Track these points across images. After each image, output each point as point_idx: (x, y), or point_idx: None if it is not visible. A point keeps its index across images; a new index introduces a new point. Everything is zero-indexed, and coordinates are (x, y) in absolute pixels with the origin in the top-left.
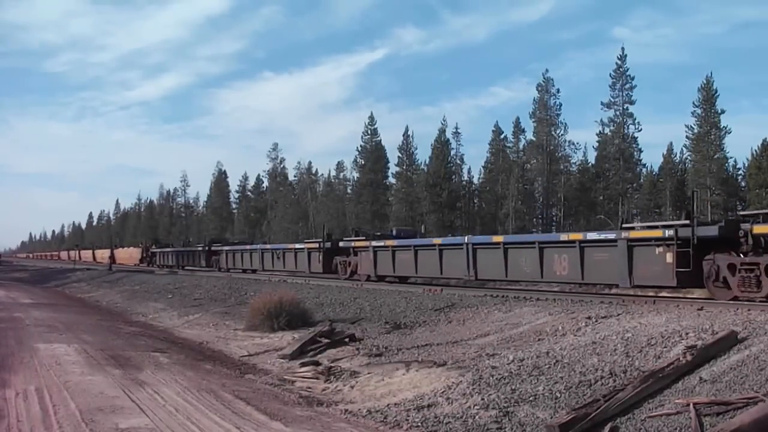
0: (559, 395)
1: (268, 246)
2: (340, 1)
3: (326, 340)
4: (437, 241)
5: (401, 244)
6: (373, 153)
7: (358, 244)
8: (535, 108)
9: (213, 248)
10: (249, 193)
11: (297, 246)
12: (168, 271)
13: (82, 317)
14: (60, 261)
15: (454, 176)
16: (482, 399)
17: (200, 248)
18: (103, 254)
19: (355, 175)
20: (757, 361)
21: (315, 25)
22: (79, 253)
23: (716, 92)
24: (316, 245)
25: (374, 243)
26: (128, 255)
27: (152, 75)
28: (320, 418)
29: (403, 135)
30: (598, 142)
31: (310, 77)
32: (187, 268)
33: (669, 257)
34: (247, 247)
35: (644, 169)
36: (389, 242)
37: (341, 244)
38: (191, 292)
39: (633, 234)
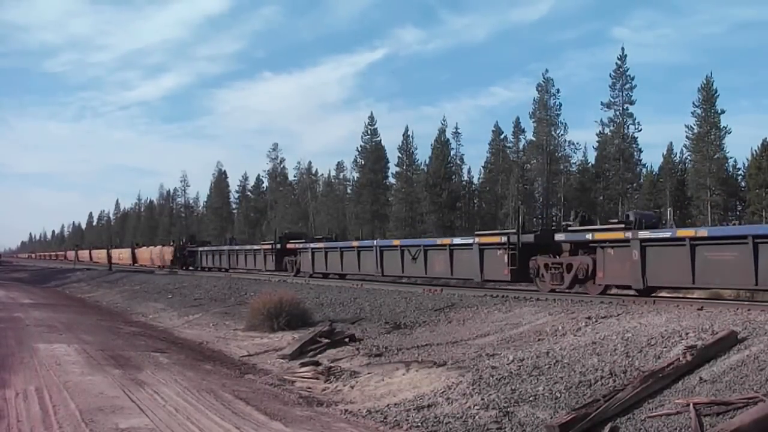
0: (559, 395)
1: (427, 241)
2: (340, 1)
3: (326, 340)
4: None
5: None
6: (373, 153)
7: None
8: (535, 108)
9: (289, 245)
10: (249, 193)
11: (482, 240)
12: (168, 271)
13: (82, 317)
14: (67, 262)
15: (454, 176)
16: (482, 399)
17: (267, 246)
18: (121, 254)
19: (355, 175)
20: (757, 361)
21: (315, 25)
22: (90, 253)
23: (716, 92)
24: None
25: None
26: (156, 255)
27: (152, 75)
28: (320, 418)
29: (403, 135)
30: (598, 142)
31: (309, 77)
32: (239, 270)
33: None
34: (373, 243)
35: (644, 169)
36: None
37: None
38: (191, 292)
39: None
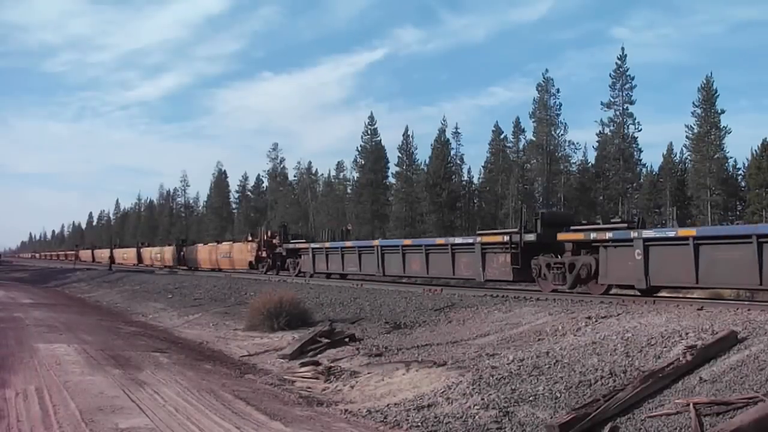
0: (559, 395)
1: None
2: (339, 1)
3: (326, 340)
4: None
5: None
6: (373, 153)
7: None
8: (535, 108)
9: (565, 236)
10: (249, 193)
11: None
12: (168, 271)
13: (82, 317)
14: (80, 263)
15: (454, 176)
16: (482, 399)
17: (497, 239)
18: (157, 254)
19: (355, 175)
20: (757, 361)
21: (314, 25)
22: (111, 253)
23: (716, 92)
24: None
25: None
26: (222, 255)
27: (151, 75)
28: (320, 418)
29: (403, 135)
30: (598, 142)
31: (309, 77)
32: (411, 280)
33: None
34: None
35: (644, 169)
36: None
37: None
38: (191, 292)
39: None
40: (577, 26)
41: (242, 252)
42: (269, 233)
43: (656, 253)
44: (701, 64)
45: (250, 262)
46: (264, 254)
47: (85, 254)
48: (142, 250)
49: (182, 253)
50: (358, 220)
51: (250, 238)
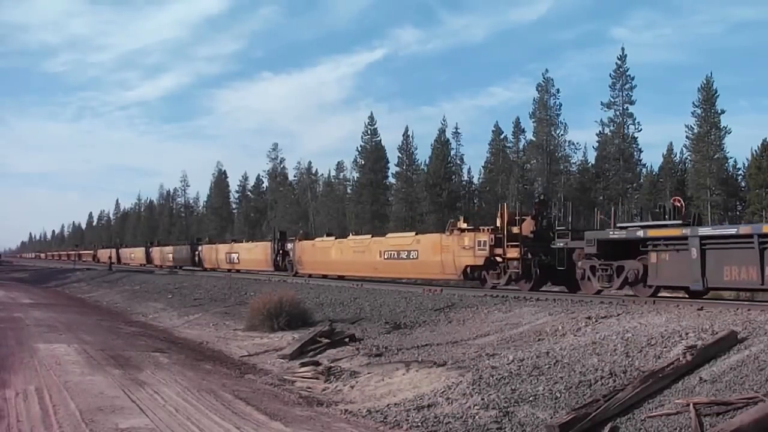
0: (559, 395)
1: None
2: (339, 2)
3: (326, 340)
4: None
5: None
6: (373, 153)
7: None
8: (534, 108)
9: None
10: (249, 193)
11: None
12: (168, 270)
13: (82, 317)
14: (97, 264)
15: (454, 176)
16: (482, 399)
17: None
18: (234, 254)
19: (355, 175)
20: (757, 361)
21: (313, 26)
22: (147, 253)
23: (716, 92)
24: None
25: None
26: (404, 255)
27: (151, 75)
28: (320, 418)
29: (403, 135)
30: (598, 142)
31: (308, 77)
32: None
33: None
34: None
35: (644, 169)
36: None
37: None
38: (191, 292)
39: None
40: (576, 26)
41: (444, 250)
42: (507, 216)
43: None
44: (701, 64)
45: (468, 268)
46: (513, 255)
47: (103, 254)
48: (201, 248)
49: (281, 251)
50: (358, 220)
51: (464, 225)
